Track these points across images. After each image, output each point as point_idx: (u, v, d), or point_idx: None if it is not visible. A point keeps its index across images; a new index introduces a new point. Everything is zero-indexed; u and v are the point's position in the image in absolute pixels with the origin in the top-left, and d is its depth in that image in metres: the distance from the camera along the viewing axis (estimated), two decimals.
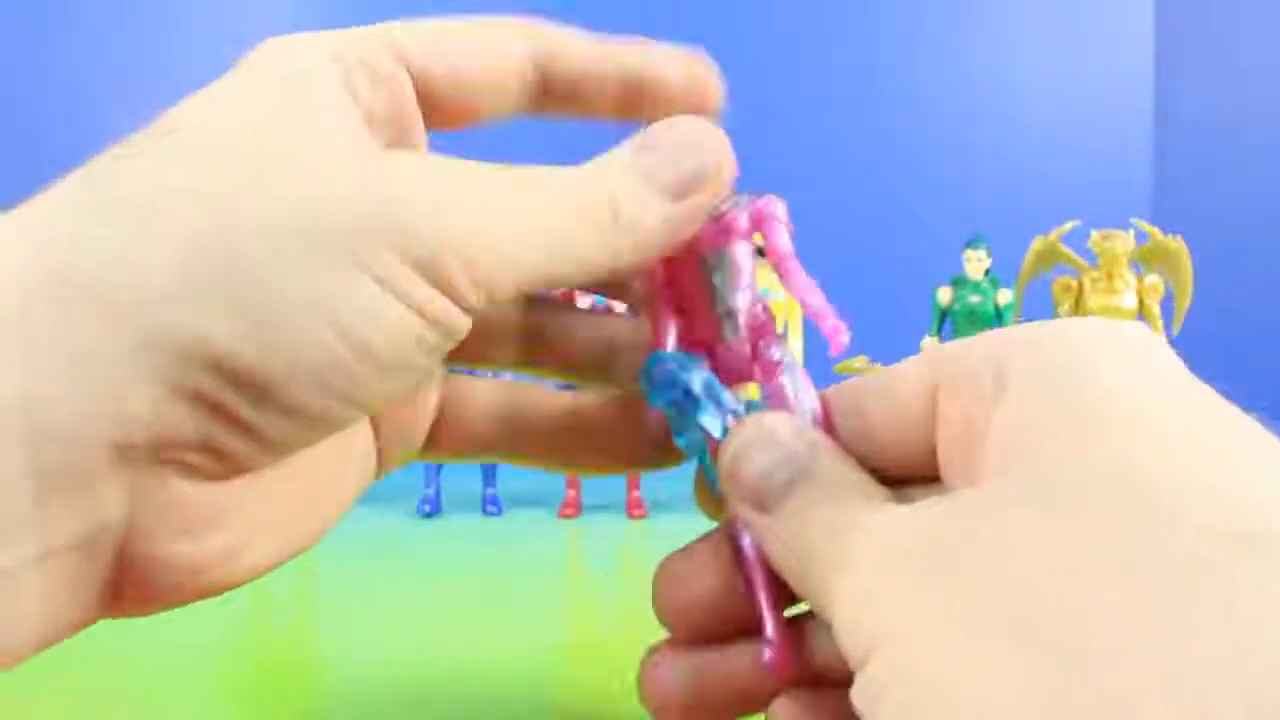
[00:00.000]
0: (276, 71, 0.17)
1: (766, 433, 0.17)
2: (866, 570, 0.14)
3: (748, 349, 0.22)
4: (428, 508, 1.46)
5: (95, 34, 2.03)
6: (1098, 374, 0.14)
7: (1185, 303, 1.41)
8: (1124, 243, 1.39)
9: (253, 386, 0.14)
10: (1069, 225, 1.46)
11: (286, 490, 0.18)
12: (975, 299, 1.48)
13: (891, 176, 2.46)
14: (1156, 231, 1.41)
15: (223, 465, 0.15)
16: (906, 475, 0.18)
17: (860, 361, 1.31)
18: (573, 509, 1.50)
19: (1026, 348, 0.15)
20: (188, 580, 0.16)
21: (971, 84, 2.50)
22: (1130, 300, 1.42)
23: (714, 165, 0.18)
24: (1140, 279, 1.42)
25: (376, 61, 0.17)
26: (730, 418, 0.21)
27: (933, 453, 0.17)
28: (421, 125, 0.19)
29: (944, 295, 1.51)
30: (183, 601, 0.17)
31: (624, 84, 0.19)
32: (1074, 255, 1.44)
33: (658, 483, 1.57)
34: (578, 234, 0.16)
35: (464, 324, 0.15)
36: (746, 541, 0.22)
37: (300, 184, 0.15)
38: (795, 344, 1.46)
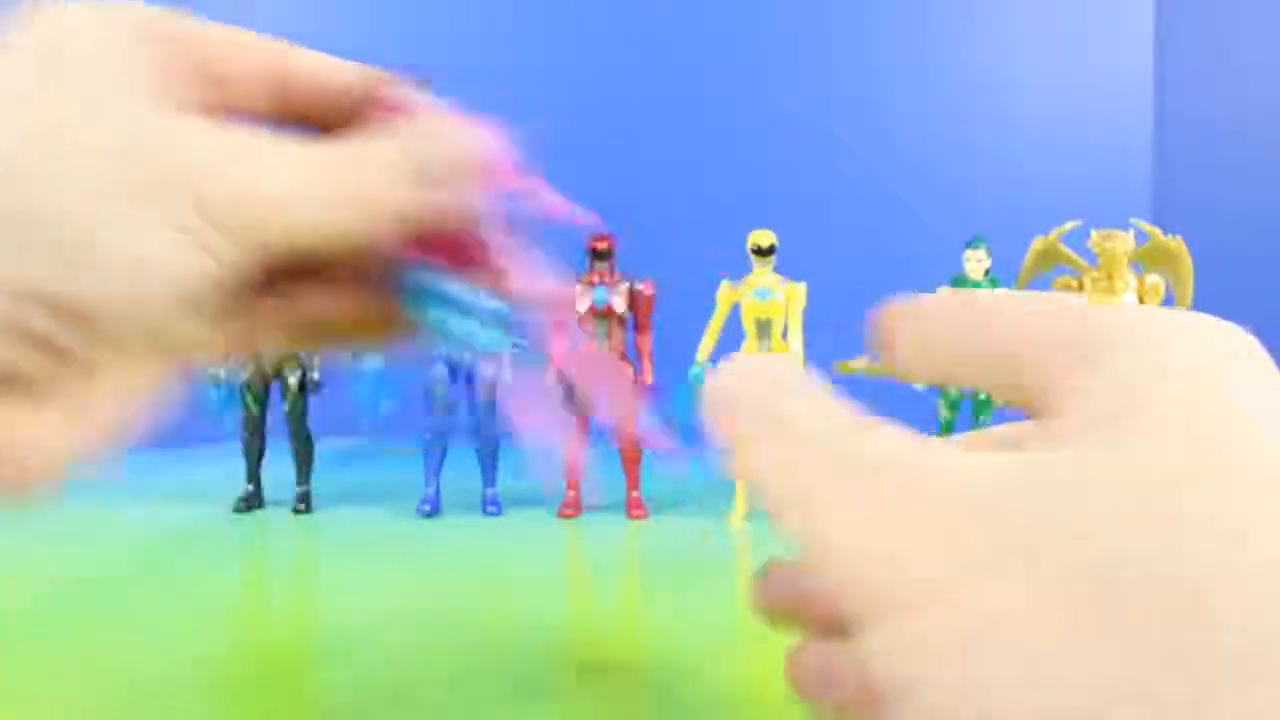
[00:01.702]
0: (65, 29, 0.19)
1: (748, 365, 0.18)
2: (899, 510, 0.13)
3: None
4: (428, 508, 1.47)
5: None
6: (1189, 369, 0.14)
7: (1185, 303, 1.41)
8: (1124, 243, 1.39)
9: (72, 314, 0.16)
10: (1069, 225, 1.46)
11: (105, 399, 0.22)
12: None
13: (892, 176, 2.45)
14: (1157, 231, 1.41)
15: (51, 389, 0.18)
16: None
17: (860, 361, 1.31)
18: (573, 509, 1.50)
19: (1115, 332, 0.15)
20: (38, 460, 0.20)
21: (972, 84, 2.50)
22: (1130, 300, 1.42)
23: (460, 163, 0.21)
24: (1140, 279, 1.42)
25: (162, 24, 0.21)
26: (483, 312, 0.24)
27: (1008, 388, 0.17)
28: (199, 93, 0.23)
29: (942, 293, 1.51)
30: (40, 473, 0.21)
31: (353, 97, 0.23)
32: (1074, 255, 1.44)
33: (658, 483, 1.57)
34: (339, 202, 0.19)
35: (234, 261, 0.18)
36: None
37: (94, 133, 0.17)
38: (795, 343, 1.46)
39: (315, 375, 1.55)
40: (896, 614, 0.13)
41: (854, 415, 0.16)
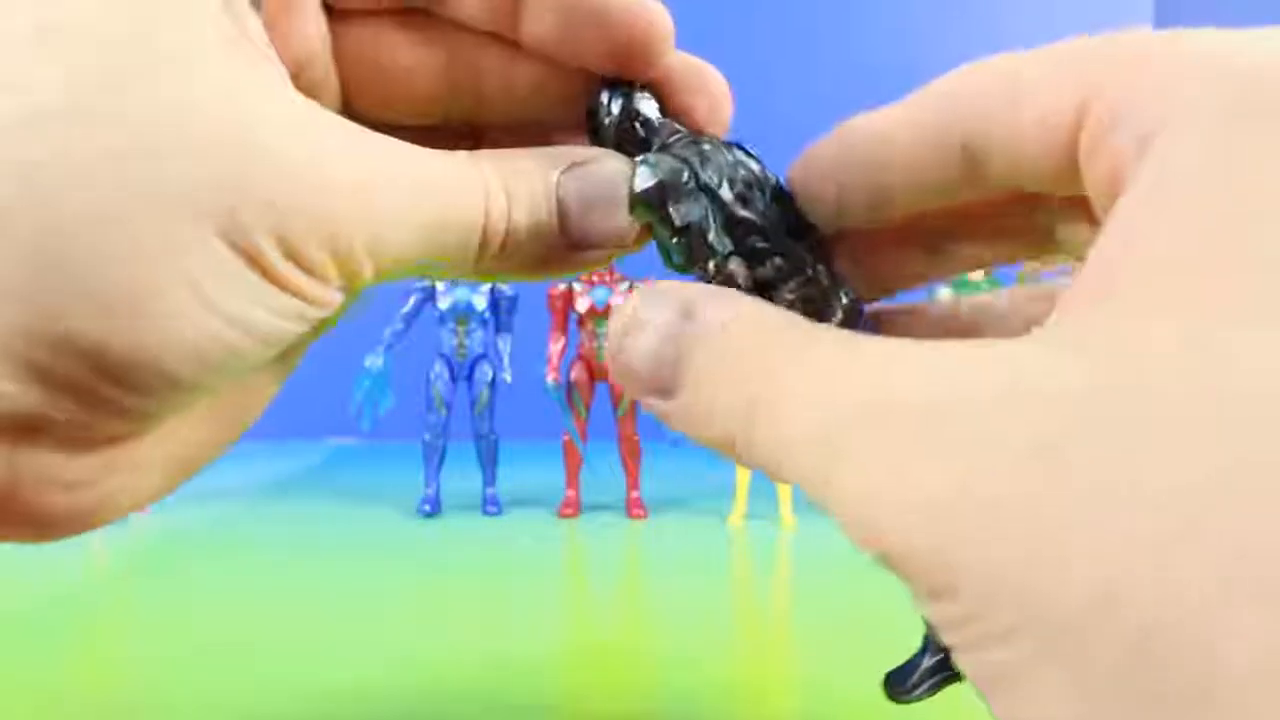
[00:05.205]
0: None
1: (632, 316, 0.15)
2: (897, 475, 0.11)
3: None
4: (428, 508, 1.47)
5: None
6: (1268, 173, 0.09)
7: None
8: None
9: (122, 369, 0.13)
10: None
11: (179, 429, 0.17)
12: None
13: None
14: None
15: (95, 439, 0.15)
16: (1036, 199, 0.15)
17: None
18: (573, 509, 1.50)
19: (1183, 107, 0.11)
20: (74, 523, 0.16)
21: None
22: None
23: (621, 232, 0.17)
24: None
25: None
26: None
27: (1077, 183, 0.13)
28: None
29: (943, 296, 1.52)
30: (73, 534, 0.17)
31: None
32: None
33: (658, 483, 1.57)
34: (454, 244, 0.15)
35: (334, 299, 0.15)
36: None
37: (164, 137, 0.13)
38: None
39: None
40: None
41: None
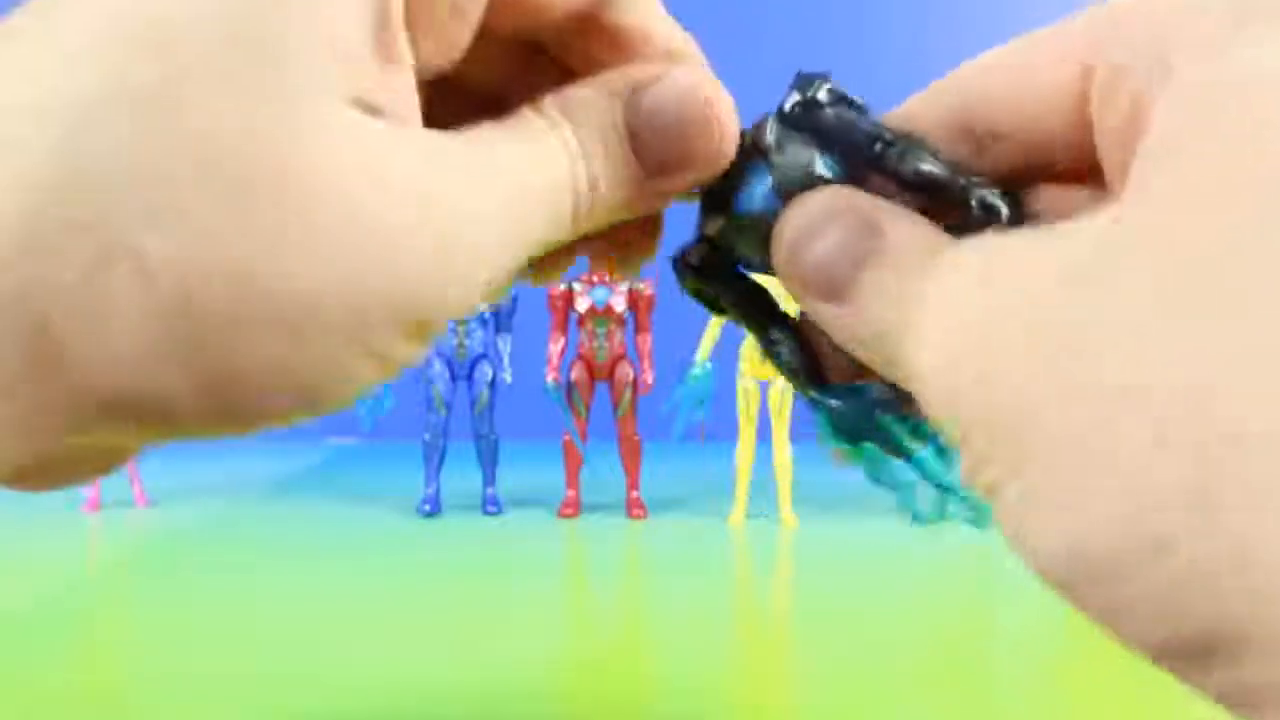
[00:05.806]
0: None
1: (824, 210, 0.15)
2: (950, 339, 0.12)
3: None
4: (428, 507, 1.47)
5: None
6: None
7: None
8: None
9: (200, 433, 0.13)
10: None
11: None
12: None
13: None
14: None
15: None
16: (1047, 174, 0.15)
17: None
18: (573, 509, 1.50)
19: (1194, 15, 0.12)
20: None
21: None
22: None
23: (708, 149, 0.16)
24: None
25: None
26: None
27: (1085, 149, 0.14)
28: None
29: None
30: None
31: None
32: None
33: (658, 483, 1.57)
34: (544, 227, 0.15)
35: (423, 356, 0.15)
36: None
37: (288, 235, 0.12)
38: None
39: None
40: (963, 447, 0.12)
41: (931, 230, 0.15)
